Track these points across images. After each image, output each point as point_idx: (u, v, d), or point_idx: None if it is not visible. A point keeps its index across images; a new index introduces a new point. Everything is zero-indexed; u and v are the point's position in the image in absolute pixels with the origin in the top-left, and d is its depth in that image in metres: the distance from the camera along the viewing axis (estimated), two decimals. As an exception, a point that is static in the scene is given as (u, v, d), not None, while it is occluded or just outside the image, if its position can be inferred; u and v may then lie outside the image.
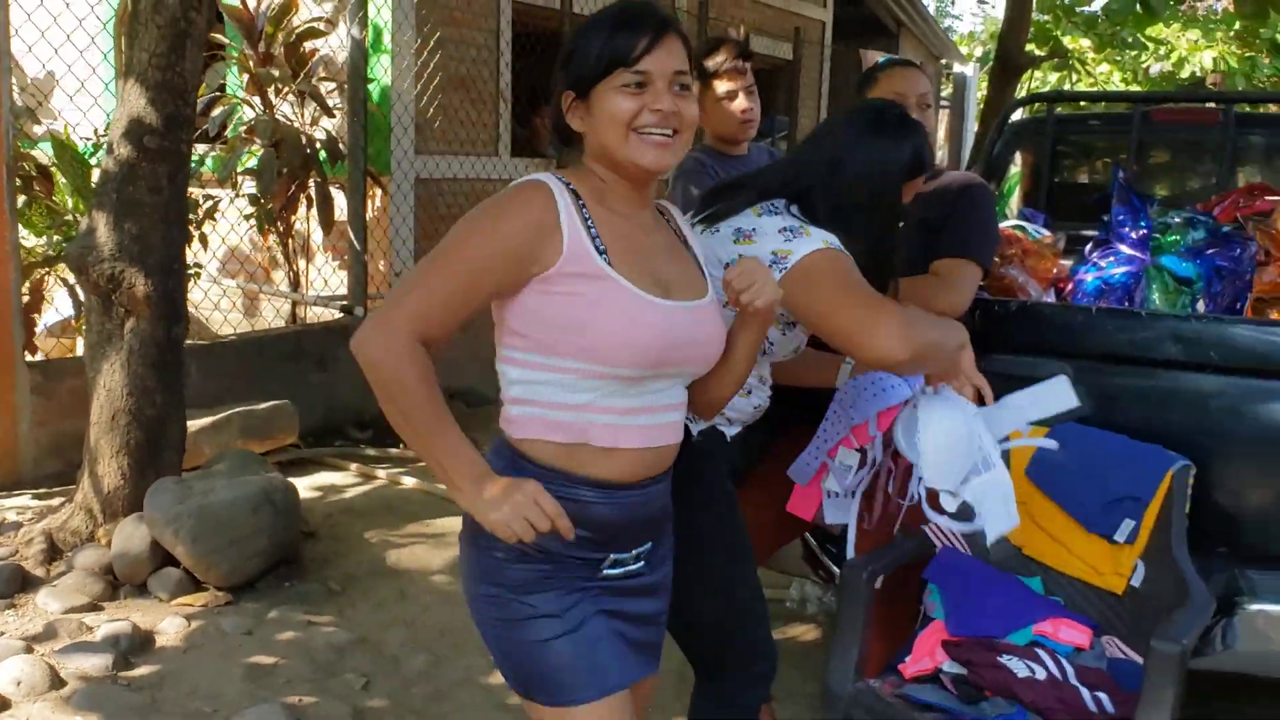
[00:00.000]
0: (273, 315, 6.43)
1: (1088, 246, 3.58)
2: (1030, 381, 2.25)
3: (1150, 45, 13.42)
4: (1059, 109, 4.91)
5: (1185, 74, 15.34)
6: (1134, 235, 3.44)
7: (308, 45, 5.97)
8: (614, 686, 1.78)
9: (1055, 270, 3.56)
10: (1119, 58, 15.25)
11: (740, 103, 3.19)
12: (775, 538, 2.88)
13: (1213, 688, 3.31)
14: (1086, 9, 11.26)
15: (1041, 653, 2.22)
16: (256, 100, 5.88)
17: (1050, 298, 3.44)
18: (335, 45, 6.14)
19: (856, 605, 2.30)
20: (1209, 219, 3.54)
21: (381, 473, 5.03)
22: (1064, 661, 2.21)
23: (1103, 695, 2.15)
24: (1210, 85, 13.44)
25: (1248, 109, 4.59)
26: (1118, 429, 2.59)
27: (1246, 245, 3.26)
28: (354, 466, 5.07)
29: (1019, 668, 2.16)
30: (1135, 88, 15.99)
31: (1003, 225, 3.75)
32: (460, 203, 7.01)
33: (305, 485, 4.77)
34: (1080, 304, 3.42)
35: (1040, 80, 16.32)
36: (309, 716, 3.02)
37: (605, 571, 1.79)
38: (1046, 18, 11.41)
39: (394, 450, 5.35)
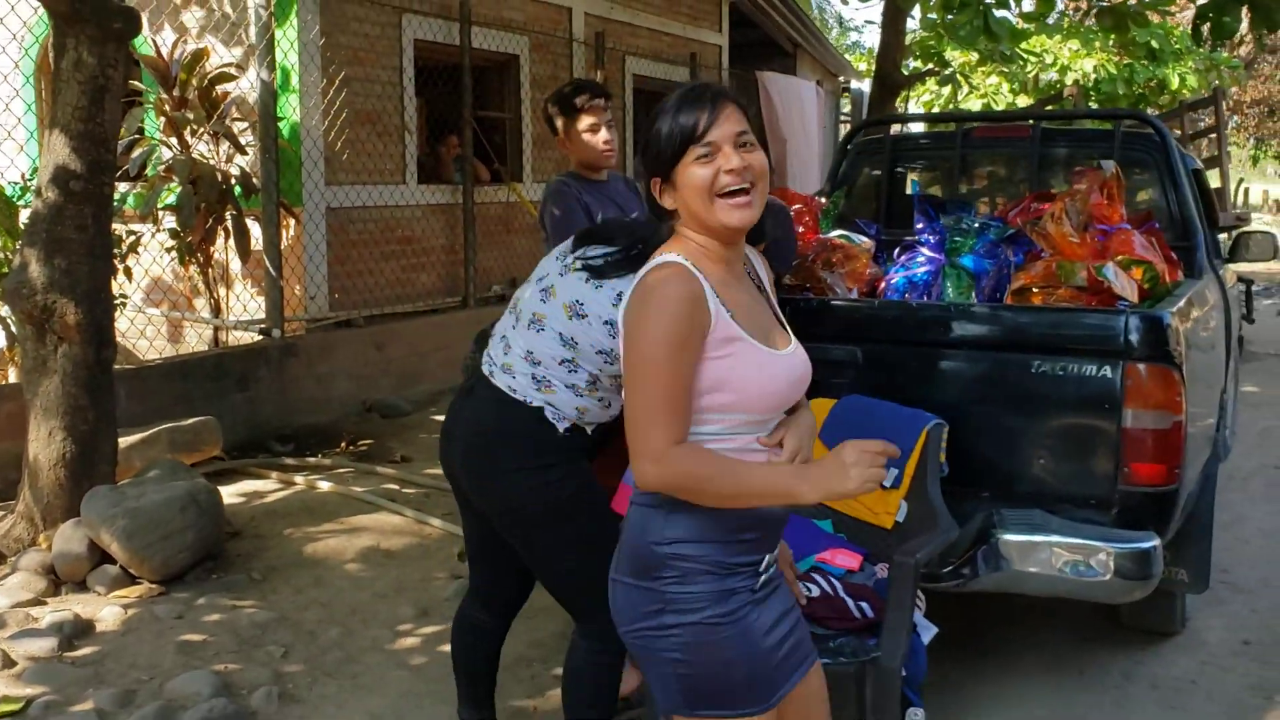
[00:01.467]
0: (195, 340, 6.86)
1: (895, 250, 4.17)
2: (823, 363, 2.73)
3: (1029, 58, 14.23)
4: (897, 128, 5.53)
5: (1069, 81, 16.22)
6: (932, 240, 4.04)
7: (220, 88, 6.43)
8: (780, 694, 1.96)
9: (870, 271, 4.15)
10: (1005, 70, 16.08)
11: (602, 135, 3.70)
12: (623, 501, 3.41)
13: (986, 616, 3.93)
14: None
15: (817, 575, 2.77)
16: (174, 141, 6.32)
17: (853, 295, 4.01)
18: (246, 87, 6.61)
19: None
20: (999, 223, 4.15)
21: (300, 479, 5.50)
22: (835, 580, 2.76)
23: (865, 604, 2.71)
24: (1067, 96, 14.28)
25: (1052, 125, 5.23)
26: (893, 398, 3.17)
27: (1011, 245, 3.88)
28: (274, 474, 5.53)
29: (799, 589, 2.71)
30: (1024, 97, 16.87)
31: (829, 235, 4.34)
32: (370, 229, 7.49)
33: (230, 492, 5.23)
34: (865, 299, 3.99)
35: (935, 94, 17.13)
36: (235, 680, 3.50)
37: (761, 576, 1.96)
38: (927, 35, 12.12)
39: (311, 459, 5.82)
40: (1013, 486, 3.18)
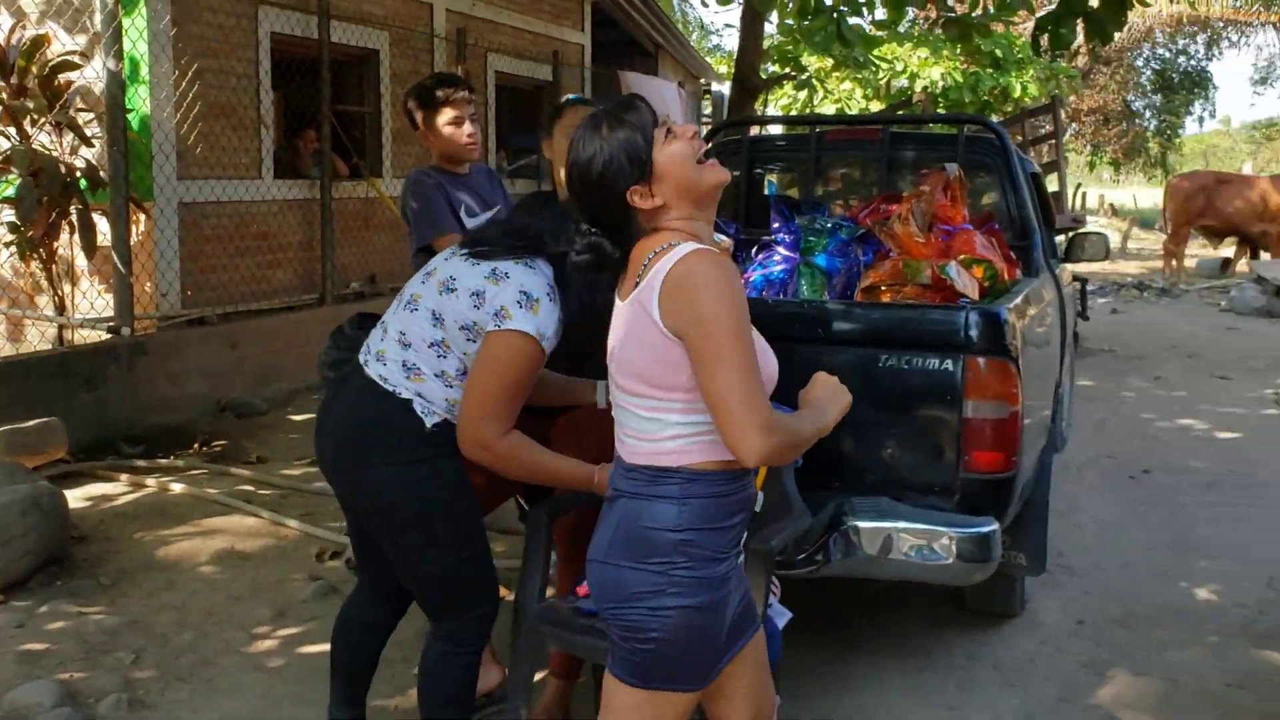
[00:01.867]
0: (39, 339, 6.58)
1: (753, 249, 4.28)
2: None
3: (881, 65, 14.68)
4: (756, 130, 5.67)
5: (919, 88, 16.78)
6: (787, 239, 4.16)
7: (63, 77, 6.18)
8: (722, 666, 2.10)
9: (730, 270, 4.25)
10: (859, 76, 16.54)
11: (465, 128, 3.70)
12: (489, 501, 3.42)
13: (838, 603, 4.08)
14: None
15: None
16: (12, 131, 6.05)
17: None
18: (92, 77, 6.36)
19: (537, 540, 2.86)
20: (850, 223, 4.30)
21: (151, 481, 5.34)
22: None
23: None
24: (917, 102, 14.81)
25: (900, 129, 5.44)
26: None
27: (861, 245, 4.03)
28: (124, 476, 5.36)
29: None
30: (876, 103, 17.38)
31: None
32: (225, 224, 7.30)
33: (77, 496, 5.04)
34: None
35: (792, 98, 17.49)
36: (81, 689, 3.39)
37: (739, 559, 2.12)
38: (784, 40, 12.41)
39: (164, 461, 5.65)
40: (863, 476, 3.31)
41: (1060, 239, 6.36)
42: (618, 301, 2.13)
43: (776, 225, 4.21)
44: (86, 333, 6.39)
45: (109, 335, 6.12)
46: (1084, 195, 33.93)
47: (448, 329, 2.55)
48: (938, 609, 4.14)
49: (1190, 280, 16.79)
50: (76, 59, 6.23)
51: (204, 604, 4.06)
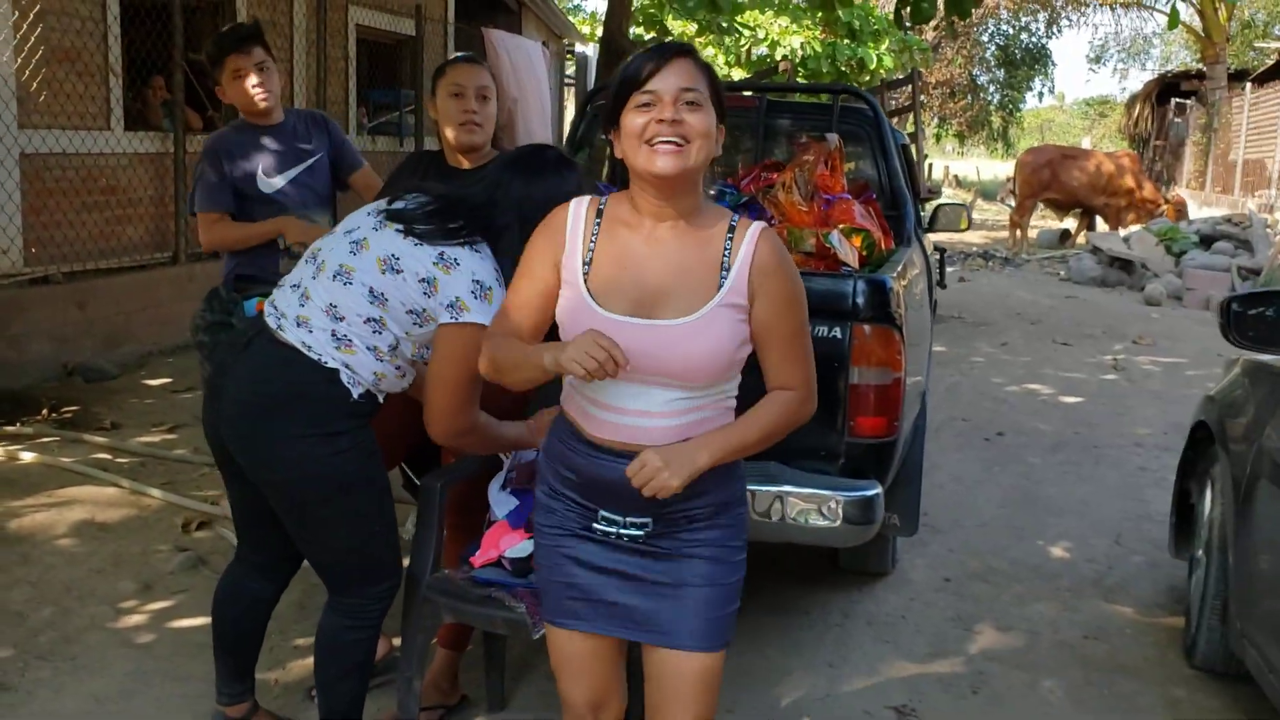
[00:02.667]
0: None
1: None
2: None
3: (744, 32, 14.81)
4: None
5: (779, 56, 17.00)
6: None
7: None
8: (569, 622, 2.10)
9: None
10: (723, 42, 16.66)
11: (251, 80, 3.58)
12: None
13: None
14: (684, -3, 12.31)
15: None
16: None
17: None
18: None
19: (430, 509, 2.81)
20: (734, 191, 4.33)
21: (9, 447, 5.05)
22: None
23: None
24: (781, 70, 15.03)
25: (776, 97, 5.49)
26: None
27: (744, 211, 4.06)
28: (-31, 443, 5.05)
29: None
30: (739, 70, 17.54)
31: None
32: (71, 177, 6.90)
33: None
34: None
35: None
36: (-70, 671, 3.19)
37: (596, 526, 2.05)
38: (649, 2, 12.38)
39: (10, 428, 5.34)
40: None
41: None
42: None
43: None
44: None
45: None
46: (931, 167, 35.07)
47: (390, 309, 2.46)
48: (812, 569, 4.24)
49: (1032, 251, 17.52)
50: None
51: (63, 578, 3.86)
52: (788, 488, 3.21)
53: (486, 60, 8.78)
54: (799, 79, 16.49)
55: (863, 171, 5.24)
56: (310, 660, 3.35)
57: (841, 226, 4.10)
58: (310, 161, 3.71)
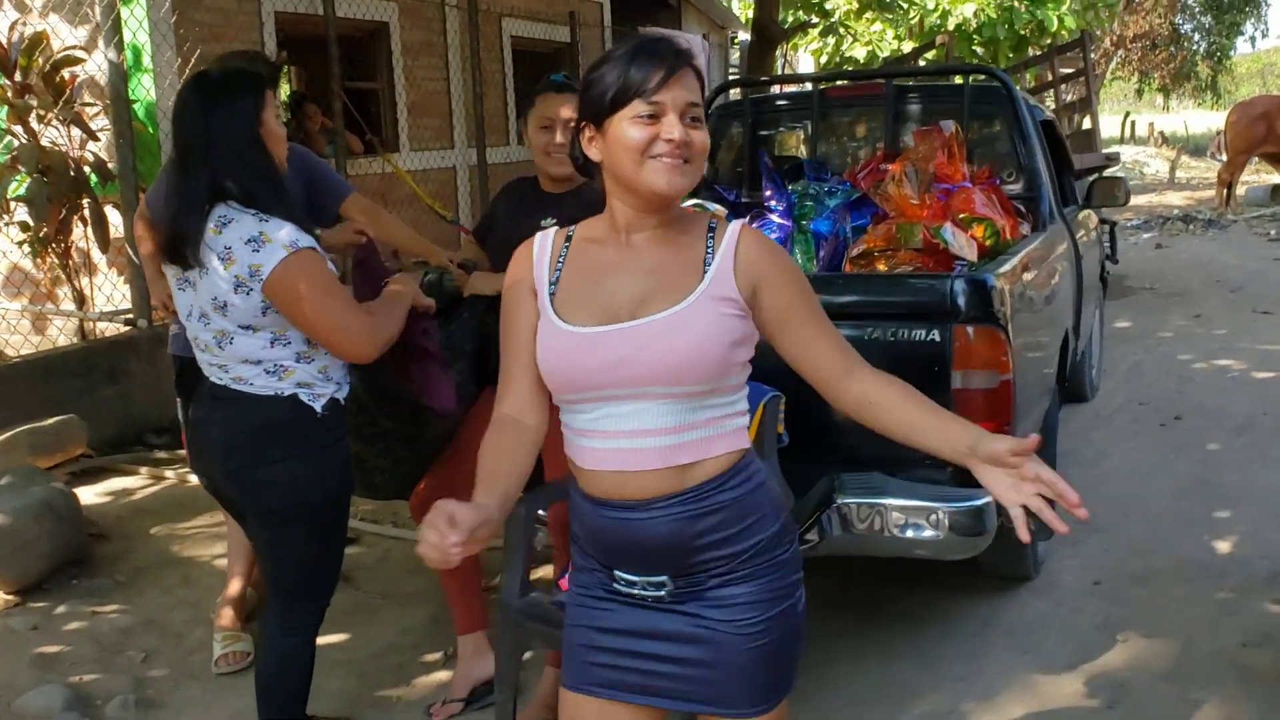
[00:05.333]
0: (60, 334, 6.66)
1: (746, 219, 4.19)
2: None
3: (910, 3, 14.34)
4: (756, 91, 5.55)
5: (951, 25, 16.38)
6: (780, 206, 4.08)
7: (68, 71, 6.19)
8: (590, 689, 1.92)
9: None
10: (889, 16, 16.19)
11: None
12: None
13: (850, 577, 4.03)
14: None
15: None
16: (20, 129, 6.09)
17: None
18: (97, 69, 6.37)
19: (517, 534, 2.84)
20: (846, 186, 4.21)
21: (171, 473, 5.40)
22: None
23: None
24: (940, 44, 14.45)
25: (904, 82, 5.29)
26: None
27: (857, 208, 3.94)
28: (144, 470, 5.42)
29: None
30: (910, 43, 17.01)
31: (684, 204, 4.35)
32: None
33: (97, 491, 5.12)
34: None
35: (823, 44, 17.17)
36: (91, 691, 3.44)
37: (616, 586, 1.88)
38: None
39: (183, 451, 5.70)
40: (856, 451, 3.24)
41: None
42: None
43: (769, 191, 4.12)
44: (106, 326, 6.45)
45: (126, 328, 6.18)
46: (1133, 124, 33.24)
47: (267, 321, 2.52)
48: (953, 576, 4.06)
49: (1239, 210, 16.34)
50: (79, 52, 6.24)
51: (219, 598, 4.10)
52: (890, 499, 3.09)
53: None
54: (974, 48, 15.89)
55: (998, 153, 5.01)
56: (437, 677, 3.50)
57: (960, 216, 3.93)
58: None
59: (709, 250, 1.83)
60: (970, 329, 3.09)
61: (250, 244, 2.45)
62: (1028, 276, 3.60)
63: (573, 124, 3.23)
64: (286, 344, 2.56)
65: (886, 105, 5.01)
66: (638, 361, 1.76)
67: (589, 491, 1.85)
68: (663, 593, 1.84)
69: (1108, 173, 9.98)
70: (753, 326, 1.84)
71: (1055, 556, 4.26)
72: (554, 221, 3.31)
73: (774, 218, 4.07)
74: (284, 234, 2.47)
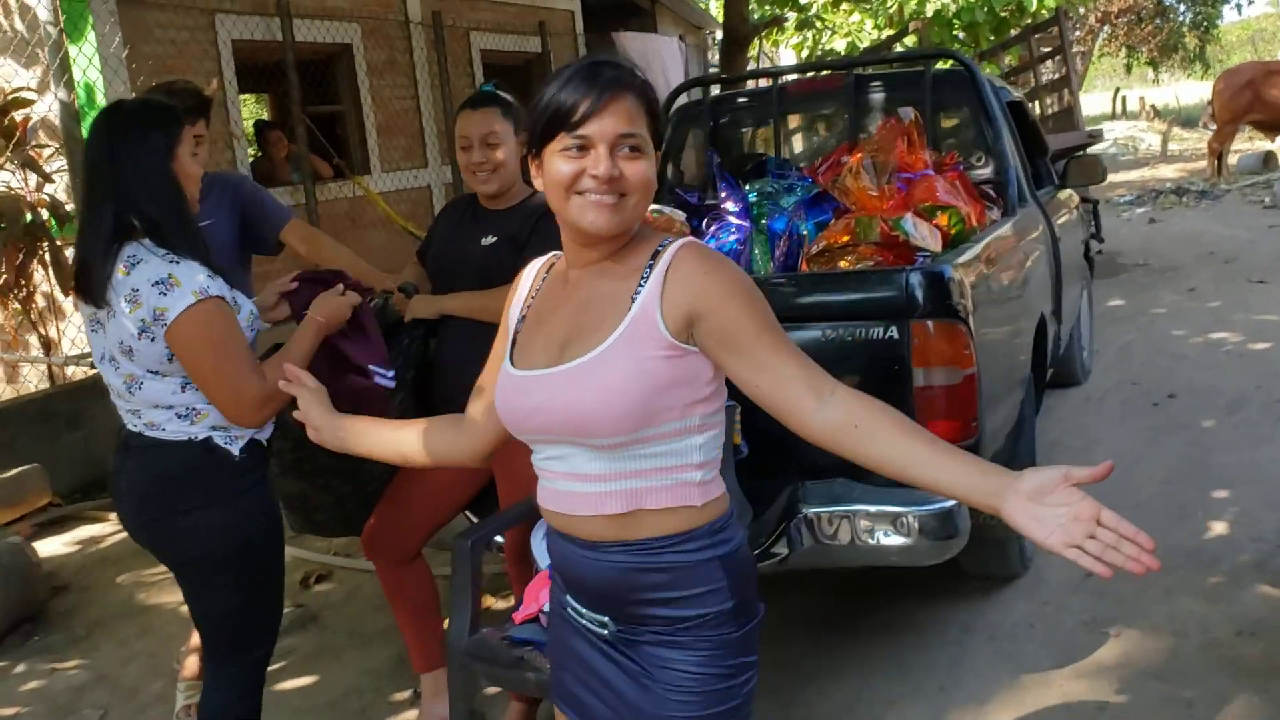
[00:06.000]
0: (37, 381, 6.56)
1: (704, 221, 4.06)
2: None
3: (884, -11, 14.17)
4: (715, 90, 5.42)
5: (930, 11, 16.20)
6: (736, 207, 3.94)
7: (18, 114, 6.08)
8: (564, 706, 1.86)
9: (681, 245, 4.04)
10: (867, 6, 16.02)
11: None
12: (436, 519, 3.27)
13: (829, 587, 3.88)
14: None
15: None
16: (-28, 176, 5.99)
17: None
18: (48, 110, 6.26)
19: (464, 570, 2.71)
20: (806, 182, 4.07)
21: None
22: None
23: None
24: (912, 29, 14.28)
25: (865, 72, 5.16)
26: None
27: (818, 204, 3.80)
28: (112, 516, 5.30)
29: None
30: (889, 30, 16.84)
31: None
32: (208, 242, 7.18)
33: (63, 541, 5.00)
34: None
35: (802, 37, 16.99)
36: (42, 753, 3.33)
37: (569, 614, 1.82)
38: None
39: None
40: (818, 459, 3.08)
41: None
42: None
43: (724, 192, 3.99)
44: (74, 370, 6.34)
45: (92, 371, 6.07)
46: (1124, 100, 33.02)
47: (176, 367, 2.39)
48: (932, 581, 3.92)
49: (1232, 179, 16.16)
50: (29, 94, 6.13)
51: (178, 649, 3.95)
52: (856, 506, 2.96)
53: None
54: (954, 33, 15.73)
55: (965, 138, 4.88)
56: (403, 718, 3.37)
57: (923, 206, 3.79)
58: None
59: (641, 282, 1.66)
60: (929, 324, 2.95)
61: (158, 286, 2.32)
62: (992, 264, 3.47)
63: (492, 139, 3.14)
64: (196, 389, 2.43)
65: (847, 97, 4.88)
66: (551, 411, 1.67)
67: (545, 512, 1.81)
68: (605, 632, 1.76)
69: (1092, 150, 9.86)
70: (699, 363, 1.66)
71: (1043, 552, 4.10)
72: (494, 239, 3.19)
73: (731, 219, 3.93)
74: (194, 279, 2.34)
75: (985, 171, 4.75)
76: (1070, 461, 4.57)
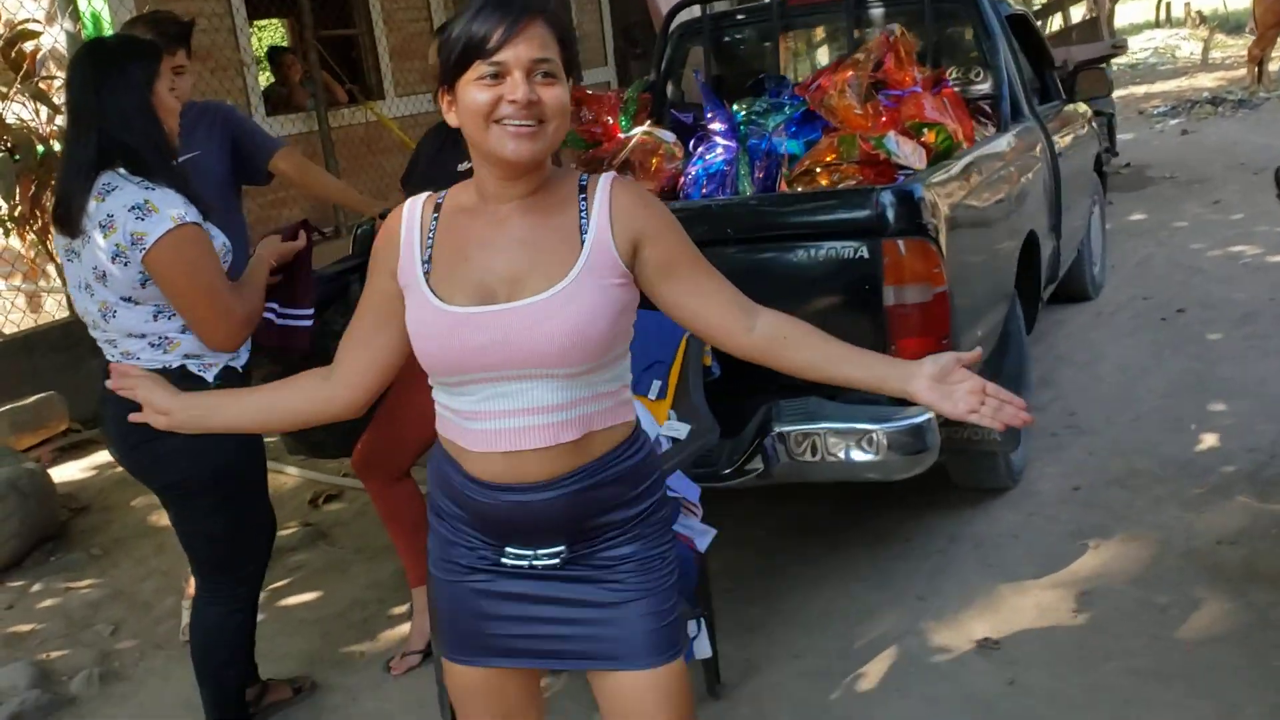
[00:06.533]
0: (56, 309, 6.69)
1: (691, 142, 4.07)
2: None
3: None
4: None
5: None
6: (723, 127, 3.94)
7: (26, 46, 6.13)
8: (481, 660, 1.86)
9: (672, 167, 4.06)
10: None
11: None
12: (423, 438, 3.35)
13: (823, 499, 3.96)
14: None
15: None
16: (-15, 109, 6.06)
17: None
18: (56, 41, 6.31)
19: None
20: (795, 100, 4.05)
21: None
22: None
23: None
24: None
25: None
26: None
27: (808, 123, 3.79)
28: (131, 440, 5.45)
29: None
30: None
31: (633, 133, 4.24)
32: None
33: (81, 466, 5.17)
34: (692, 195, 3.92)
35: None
36: (57, 667, 3.48)
37: (505, 561, 1.81)
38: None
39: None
40: (792, 378, 3.15)
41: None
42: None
43: (710, 113, 3.98)
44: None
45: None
46: (1168, 6, 32.07)
47: (148, 294, 2.48)
48: (925, 491, 3.96)
49: (1272, 87, 15.73)
50: (35, 25, 6.17)
51: (187, 568, 4.11)
52: (825, 424, 3.00)
53: None
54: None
55: (963, 52, 4.84)
56: (400, 630, 3.49)
57: (909, 123, 3.78)
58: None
59: (583, 215, 1.72)
60: (900, 242, 2.97)
61: (134, 211, 2.42)
62: (971, 181, 3.46)
63: None
64: (171, 316, 2.52)
65: (846, 12, 4.83)
66: (518, 345, 1.68)
67: (478, 475, 1.76)
68: (557, 561, 1.79)
69: (1119, 60, 9.65)
70: (636, 291, 1.74)
71: (1036, 464, 4.16)
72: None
73: (718, 140, 3.93)
74: (171, 205, 2.44)
75: (984, 87, 4.71)
76: (1075, 376, 4.66)
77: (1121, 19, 28.44)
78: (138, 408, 2.28)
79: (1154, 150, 11.82)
